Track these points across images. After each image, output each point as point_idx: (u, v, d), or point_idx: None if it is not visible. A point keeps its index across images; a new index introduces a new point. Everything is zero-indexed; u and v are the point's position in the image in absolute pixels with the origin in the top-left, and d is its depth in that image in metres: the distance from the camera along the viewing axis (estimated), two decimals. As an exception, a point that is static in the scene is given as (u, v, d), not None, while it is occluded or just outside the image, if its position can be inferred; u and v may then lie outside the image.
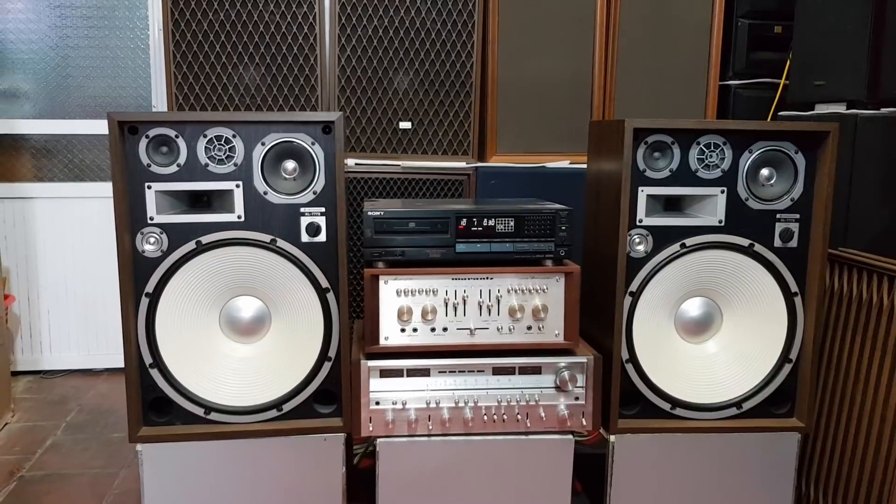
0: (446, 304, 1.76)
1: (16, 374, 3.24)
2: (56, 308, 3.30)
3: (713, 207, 1.76)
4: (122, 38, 3.25)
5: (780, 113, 2.47)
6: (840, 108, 2.23)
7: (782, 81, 2.67)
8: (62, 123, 3.25)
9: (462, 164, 2.59)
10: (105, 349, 3.31)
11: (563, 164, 2.63)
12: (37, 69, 3.22)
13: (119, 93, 3.27)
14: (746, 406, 1.82)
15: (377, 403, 1.75)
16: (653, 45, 2.64)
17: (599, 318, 1.88)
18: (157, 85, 3.21)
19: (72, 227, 3.25)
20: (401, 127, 2.58)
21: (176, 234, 1.69)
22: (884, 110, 2.07)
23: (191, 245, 1.69)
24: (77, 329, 3.31)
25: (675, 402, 1.81)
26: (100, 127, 3.23)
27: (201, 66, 2.45)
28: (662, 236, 1.76)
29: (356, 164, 2.55)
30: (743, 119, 2.77)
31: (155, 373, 1.72)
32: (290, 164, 1.71)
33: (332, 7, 2.46)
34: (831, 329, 1.90)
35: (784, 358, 1.81)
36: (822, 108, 2.33)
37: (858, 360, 1.81)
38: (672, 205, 1.81)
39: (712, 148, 1.74)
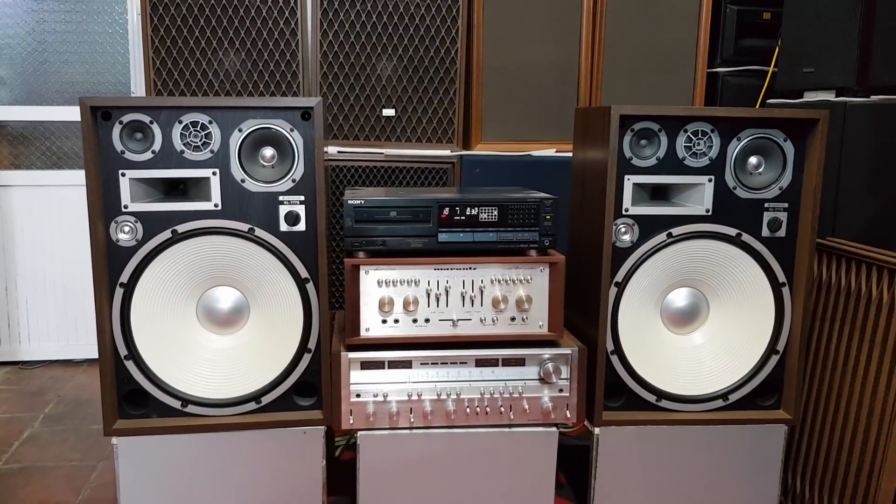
0: (428, 295, 1.72)
1: (-6, 365, 3.19)
2: (34, 298, 3.24)
3: (700, 196, 1.73)
4: (101, 23, 3.17)
5: (769, 101, 2.44)
6: (829, 96, 2.20)
7: (771, 69, 2.64)
8: (39, 110, 3.17)
9: (447, 152, 2.55)
10: (84, 339, 3.26)
11: (549, 152, 2.59)
12: (13, 55, 3.14)
13: (97, 78, 3.20)
14: (733, 398, 1.80)
15: (358, 396, 1.72)
16: (640, 32, 2.60)
17: (585, 309, 1.85)
18: (136, 70, 3.14)
19: (50, 216, 3.18)
20: (384, 114, 2.54)
21: (151, 223, 1.65)
22: (873, 98, 2.04)
23: (166, 234, 1.65)
24: (56, 319, 3.25)
25: (661, 394, 1.79)
26: (78, 114, 3.12)
27: (180, 52, 2.39)
28: (649, 226, 1.73)
29: (339, 151, 2.51)
30: (731, 106, 2.74)
31: (130, 365, 1.68)
32: (268, 152, 1.67)
33: (314, -9, 2.41)
34: (819, 320, 1.88)
35: (771, 349, 1.79)
36: (810, 96, 2.30)
37: (846, 351, 1.79)
38: (659, 194, 1.78)
39: (700, 135, 1.71)
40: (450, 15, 2.48)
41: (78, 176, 3.17)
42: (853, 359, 1.77)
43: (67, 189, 3.17)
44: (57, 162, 3.23)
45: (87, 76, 3.20)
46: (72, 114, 3.18)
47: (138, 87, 3.13)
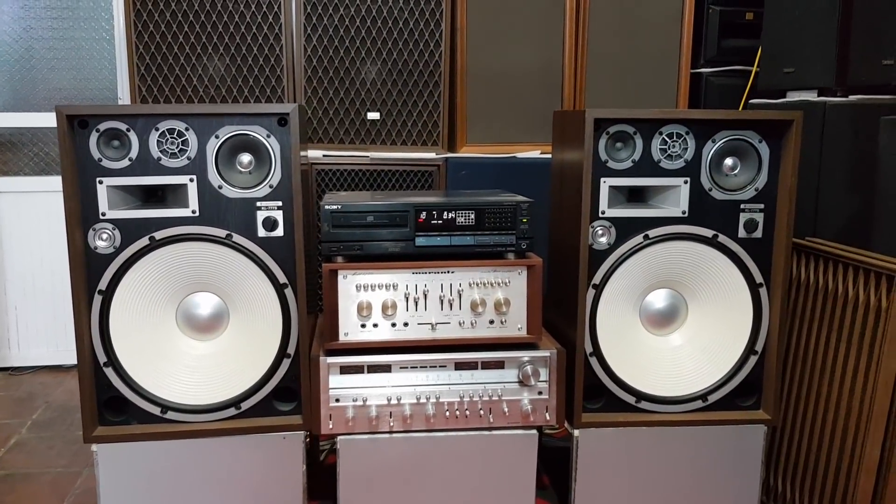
0: (407, 299, 1.73)
1: (-17, 371, 3.20)
2: (24, 304, 3.24)
3: (676, 198, 1.73)
4: (87, 30, 3.18)
5: (751, 101, 2.45)
6: (811, 96, 2.20)
7: (754, 69, 2.65)
8: (27, 116, 3.18)
9: (432, 155, 2.55)
10: (74, 345, 3.25)
11: (534, 153, 2.60)
12: (0, 62, 3.15)
13: (84, 84, 3.21)
14: (712, 399, 1.80)
15: (337, 400, 1.72)
16: (623, 34, 2.61)
17: (565, 311, 1.86)
18: (123, 76, 3.15)
19: (38, 222, 3.19)
20: (369, 118, 2.55)
21: (129, 230, 1.65)
22: (852, 97, 2.05)
23: (144, 241, 1.65)
24: (45, 324, 3.26)
25: (640, 396, 1.79)
26: (66, 119, 3.16)
27: (164, 58, 2.40)
28: (625, 228, 1.73)
29: (324, 155, 2.51)
30: (714, 106, 2.75)
31: (110, 371, 1.68)
32: (245, 158, 1.68)
33: (298, -5, 2.42)
34: (798, 320, 1.88)
35: (749, 350, 1.79)
36: (793, 96, 2.30)
37: (825, 351, 1.79)
38: (635, 196, 1.78)
39: (675, 138, 1.71)
40: (433, 18, 2.49)
41: (65, 181, 3.18)
42: (832, 359, 1.77)
43: (56, 195, 3.15)
44: (45, 168, 3.24)
45: (74, 82, 3.21)
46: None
47: (125, 93, 3.14)
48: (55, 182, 3.18)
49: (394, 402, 1.73)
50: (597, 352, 1.77)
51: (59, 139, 1.61)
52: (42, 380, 3.12)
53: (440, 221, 1.73)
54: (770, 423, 1.81)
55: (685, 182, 1.73)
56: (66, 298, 3.21)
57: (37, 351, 3.27)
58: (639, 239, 1.73)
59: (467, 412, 1.74)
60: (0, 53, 3.15)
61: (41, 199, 3.19)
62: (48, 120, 3.19)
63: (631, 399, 1.79)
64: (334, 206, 1.71)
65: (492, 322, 1.76)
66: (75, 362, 3.21)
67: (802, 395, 1.87)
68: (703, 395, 1.80)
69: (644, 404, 1.80)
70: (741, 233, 1.75)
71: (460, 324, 1.75)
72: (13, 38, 3.15)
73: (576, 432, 1.79)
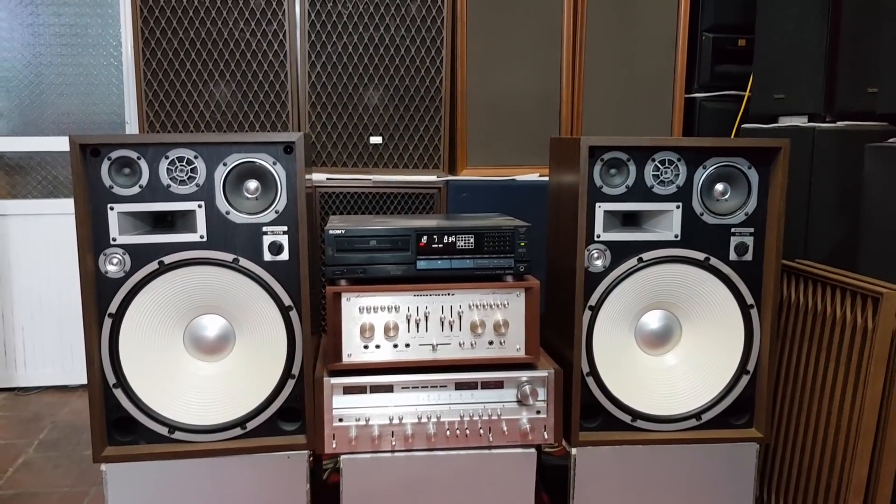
0: (408, 321, 1.78)
1: (-10, 391, 3.24)
2: (31, 324, 3.29)
3: (669, 222, 1.79)
4: (96, 56, 3.26)
5: (744, 126, 2.51)
6: (801, 121, 2.27)
7: (746, 94, 2.71)
8: (36, 140, 3.25)
9: (433, 178, 2.61)
10: (80, 365, 3.27)
11: (533, 176, 2.66)
12: (10, 87, 3.23)
13: (93, 109, 3.28)
14: (706, 417, 1.85)
15: (340, 420, 1.77)
16: (619, 60, 2.68)
17: (562, 331, 1.91)
18: (130, 102, 3.22)
19: (46, 244, 3.25)
20: (372, 142, 2.60)
21: (139, 255, 1.71)
22: (840, 124, 2.11)
23: (153, 265, 1.70)
24: (52, 345, 3.31)
25: (636, 415, 1.84)
26: (74, 143, 3.23)
27: (172, 84, 2.47)
28: (620, 251, 1.79)
29: (328, 178, 2.57)
30: (708, 130, 2.81)
31: (119, 392, 1.73)
32: (252, 184, 1.73)
33: (303, 24, 2.49)
34: (789, 340, 1.93)
35: (742, 369, 1.84)
36: (784, 121, 2.37)
37: (815, 371, 1.84)
38: (629, 220, 1.84)
39: (667, 164, 1.77)
40: (434, 45, 2.56)
41: (73, 205, 3.24)
42: (821, 378, 1.82)
43: (63, 217, 3.24)
44: (53, 191, 3.30)
45: (83, 107, 3.28)
46: (67, 144, 3.24)
47: (132, 118, 3.21)
48: (62, 205, 3.25)
49: (396, 421, 1.78)
50: (593, 372, 1.82)
51: (72, 167, 1.67)
52: (48, 400, 3.17)
53: (441, 245, 1.79)
54: (762, 441, 1.86)
55: (677, 207, 1.78)
56: (73, 319, 3.29)
57: (43, 371, 3.32)
58: (633, 262, 1.79)
59: (467, 431, 1.79)
60: (10, 79, 3.22)
61: (49, 221, 3.25)
62: (57, 144, 3.25)
63: (627, 418, 1.84)
64: (338, 231, 1.76)
65: (491, 343, 1.81)
66: (81, 382, 3.29)
67: (794, 413, 1.91)
68: (697, 414, 1.85)
69: (640, 423, 1.84)
70: (732, 256, 1.80)
71: (460, 345, 1.80)
72: (23, 63, 3.22)
73: (573, 451, 1.83)
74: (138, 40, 2.44)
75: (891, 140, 1.89)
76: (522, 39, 2.63)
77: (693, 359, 1.86)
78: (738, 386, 1.84)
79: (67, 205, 3.24)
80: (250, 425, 1.77)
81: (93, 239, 1.69)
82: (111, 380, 1.72)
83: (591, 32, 2.64)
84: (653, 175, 1.77)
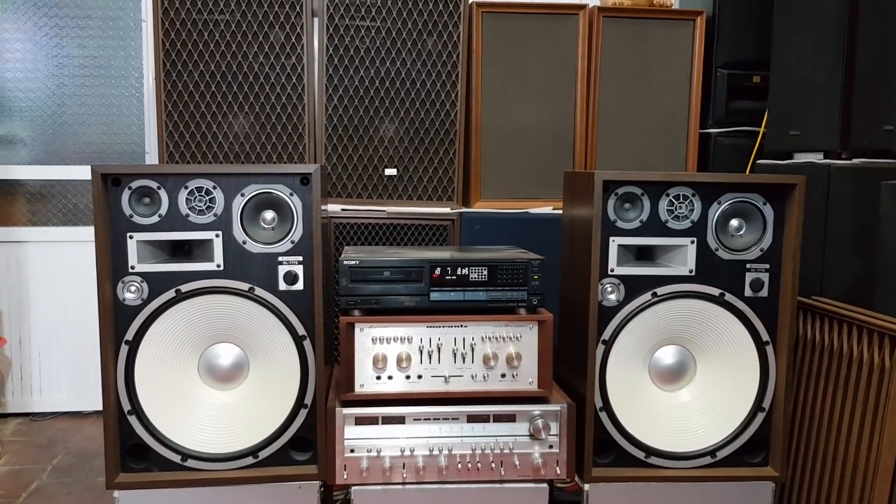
0: (421, 352, 1.78)
1: (5, 416, 3.26)
2: (47, 350, 3.32)
3: (684, 257, 1.79)
4: (118, 87, 3.33)
5: (759, 161, 2.51)
6: (817, 158, 2.27)
7: (761, 130, 2.72)
8: (57, 169, 3.31)
9: (447, 210, 2.62)
10: (94, 391, 3.32)
11: (547, 209, 2.67)
12: (33, 116, 3.29)
13: (113, 139, 3.34)
14: (721, 455, 1.83)
15: (352, 451, 1.76)
16: (633, 95, 2.70)
17: (575, 365, 1.90)
18: (150, 133, 3.28)
19: (64, 271, 3.29)
20: (387, 173, 2.63)
21: (156, 283, 1.73)
22: (855, 161, 2.11)
23: (170, 293, 1.72)
24: (67, 371, 3.33)
25: (650, 451, 1.82)
26: (94, 173, 3.28)
27: (192, 115, 2.51)
28: (634, 285, 1.79)
29: (343, 209, 2.59)
30: (723, 166, 2.81)
31: (133, 420, 1.74)
32: (268, 215, 1.75)
33: (321, 58, 2.53)
34: (805, 378, 1.91)
35: (757, 407, 1.82)
36: (800, 157, 2.37)
37: (831, 409, 1.82)
38: (643, 254, 1.84)
39: (682, 199, 1.78)
40: (449, 80, 2.59)
41: (91, 232, 3.27)
42: (838, 417, 1.80)
43: (81, 245, 3.28)
44: (72, 219, 3.35)
45: (104, 137, 3.34)
46: (88, 173, 3.29)
47: (153, 148, 3.26)
48: (81, 232, 3.29)
49: (407, 453, 1.77)
50: (607, 407, 1.81)
51: (93, 196, 1.70)
52: (62, 426, 3.18)
53: (454, 277, 1.79)
54: (778, 480, 1.83)
55: (692, 242, 1.79)
56: (89, 345, 3.31)
57: (58, 396, 3.33)
58: (647, 296, 1.79)
59: (479, 465, 1.78)
60: (34, 108, 3.29)
61: (67, 248, 3.29)
62: (78, 173, 3.31)
63: (640, 454, 1.82)
64: (353, 262, 1.78)
65: (503, 376, 1.80)
66: (95, 408, 3.30)
67: (810, 452, 1.89)
68: (711, 451, 1.83)
69: (653, 459, 1.82)
70: (747, 292, 1.80)
71: (473, 377, 1.80)
72: (47, 94, 3.29)
73: (586, 486, 1.82)
74: (160, 72, 2.48)
75: (907, 178, 1.89)
76: (537, 73, 2.66)
77: (708, 395, 1.84)
78: (753, 423, 1.82)
79: (86, 232, 3.28)
80: (262, 454, 1.77)
81: (112, 266, 1.72)
82: (126, 406, 1.73)
83: (605, 67, 2.67)
84: (667, 210, 1.78)
